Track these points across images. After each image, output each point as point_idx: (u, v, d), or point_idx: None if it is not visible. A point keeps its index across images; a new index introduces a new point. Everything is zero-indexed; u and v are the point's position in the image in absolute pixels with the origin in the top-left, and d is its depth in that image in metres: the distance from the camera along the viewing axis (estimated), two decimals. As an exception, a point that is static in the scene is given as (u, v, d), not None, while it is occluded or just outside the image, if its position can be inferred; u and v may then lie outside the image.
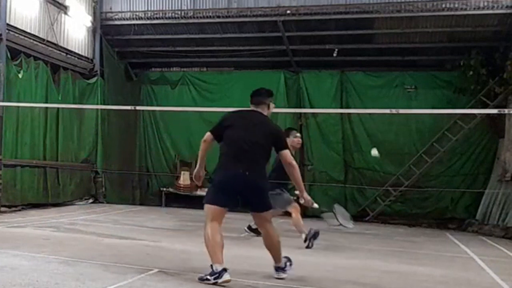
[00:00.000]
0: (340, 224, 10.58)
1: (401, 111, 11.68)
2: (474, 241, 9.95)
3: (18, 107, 10.55)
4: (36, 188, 11.25)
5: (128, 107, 10.99)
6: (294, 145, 7.96)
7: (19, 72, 10.73)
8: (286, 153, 4.86)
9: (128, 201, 14.45)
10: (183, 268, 5.21)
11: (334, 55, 13.89)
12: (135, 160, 15.65)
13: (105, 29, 14.02)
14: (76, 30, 12.97)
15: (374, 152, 11.97)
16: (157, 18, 13.73)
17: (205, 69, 15.89)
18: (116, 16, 13.89)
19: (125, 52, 15.22)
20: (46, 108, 11.55)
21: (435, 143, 13.66)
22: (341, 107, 14.27)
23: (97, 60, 13.76)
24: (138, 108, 13.03)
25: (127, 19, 13.88)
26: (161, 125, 15.73)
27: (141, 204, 14.67)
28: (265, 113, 4.99)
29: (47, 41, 11.66)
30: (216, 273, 4.37)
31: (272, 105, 5.09)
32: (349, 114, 14.57)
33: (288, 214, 7.79)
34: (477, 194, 12.91)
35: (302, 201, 5.28)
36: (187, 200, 14.36)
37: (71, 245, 6.45)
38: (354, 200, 14.23)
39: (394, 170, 13.92)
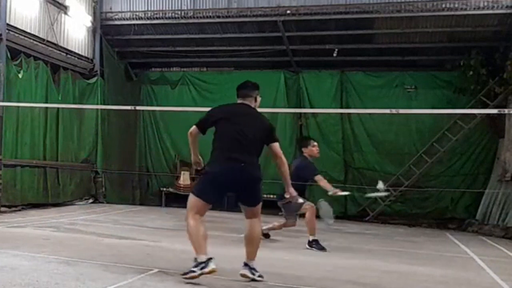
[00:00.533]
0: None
1: (401, 111, 11.68)
2: (474, 241, 9.95)
3: (18, 107, 10.54)
4: (36, 188, 11.24)
5: (128, 107, 10.98)
6: (313, 154, 7.97)
7: (19, 72, 10.73)
8: (276, 145, 4.86)
9: (128, 201, 14.45)
10: (183, 268, 5.19)
11: (334, 55, 13.90)
12: (135, 160, 15.65)
13: (105, 29, 14.02)
14: (76, 30, 12.97)
15: (380, 186, 12.07)
16: (157, 18, 13.73)
17: (205, 69, 15.89)
18: (116, 16, 13.89)
19: (125, 52, 15.22)
20: (46, 108, 11.54)
21: (435, 143, 13.66)
22: (341, 107, 14.27)
23: (97, 60, 13.75)
24: (138, 108, 13.02)
25: (127, 19, 13.88)
26: (161, 125, 15.73)
27: (141, 204, 14.67)
28: (253, 105, 4.98)
29: (47, 41, 11.66)
30: (201, 263, 4.34)
31: (258, 98, 5.04)
32: (349, 114, 14.57)
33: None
34: (477, 194, 12.91)
35: (287, 196, 5.28)
36: (187, 200, 14.33)
37: (71, 245, 6.45)
38: (354, 200, 14.21)
39: (394, 170, 13.91)
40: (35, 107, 11.12)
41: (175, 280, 4.66)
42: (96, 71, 13.69)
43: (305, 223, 7.57)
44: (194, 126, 4.98)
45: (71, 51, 12.75)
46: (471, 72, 12.87)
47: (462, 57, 12.99)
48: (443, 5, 12.11)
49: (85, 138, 13.22)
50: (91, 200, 13.16)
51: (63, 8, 12.31)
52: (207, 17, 13.39)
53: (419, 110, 13.15)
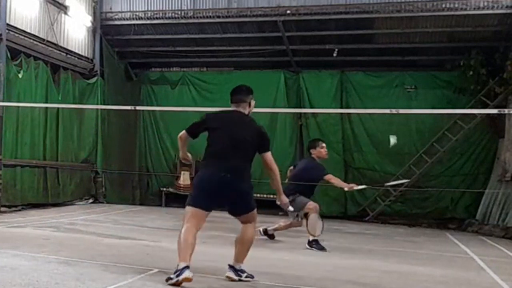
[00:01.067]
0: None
1: (401, 111, 11.68)
2: (474, 241, 9.95)
3: (18, 107, 10.55)
4: (36, 188, 11.25)
5: (128, 107, 10.98)
6: (321, 156, 7.93)
7: (19, 72, 10.73)
8: (268, 155, 4.80)
9: (128, 201, 14.45)
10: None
11: (334, 55, 13.90)
12: (135, 160, 15.65)
13: (105, 29, 14.02)
14: (76, 30, 12.97)
15: (393, 140, 12.15)
16: (157, 18, 13.73)
17: (205, 69, 15.89)
18: (116, 16, 13.89)
19: (125, 52, 15.22)
20: (46, 108, 11.55)
21: (435, 143, 13.66)
22: (341, 107, 14.26)
23: (97, 60, 13.76)
24: (138, 108, 13.02)
25: (127, 19, 13.88)
26: (161, 125, 15.72)
27: (141, 204, 14.67)
28: (247, 111, 4.91)
29: (47, 41, 11.66)
30: (177, 271, 4.31)
31: (253, 102, 4.96)
32: (349, 114, 14.57)
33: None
34: (477, 194, 12.90)
35: (278, 203, 5.27)
36: (187, 200, 14.35)
37: (71, 245, 6.45)
38: (354, 200, 14.22)
39: (394, 170, 13.91)
40: (35, 107, 11.11)
41: (175, 280, 4.66)
42: (96, 71, 13.69)
43: (307, 222, 7.55)
44: (184, 131, 4.96)
45: (71, 51, 12.75)
46: (471, 72, 12.87)
47: (462, 57, 12.99)
48: (443, 5, 12.11)
49: (85, 138, 13.22)
50: (91, 200, 13.16)
51: (63, 8, 12.31)
52: (207, 17, 13.39)
53: (419, 110, 13.15)
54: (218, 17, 13.27)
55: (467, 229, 12.28)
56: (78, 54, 13.09)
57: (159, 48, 14.93)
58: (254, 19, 13.15)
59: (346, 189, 7.81)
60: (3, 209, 9.88)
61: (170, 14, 13.57)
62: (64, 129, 12.29)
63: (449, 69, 13.65)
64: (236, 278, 4.69)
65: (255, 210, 4.81)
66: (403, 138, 14.15)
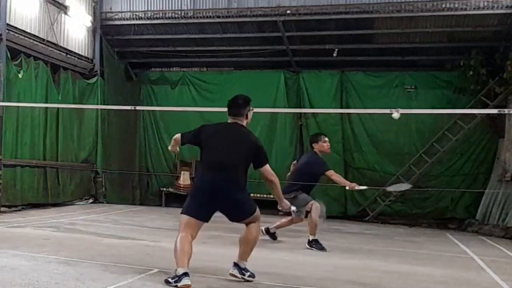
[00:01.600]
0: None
1: (401, 111, 11.62)
2: (474, 241, 9.95)
3: (18, 107, 10.55)
4: (36, 188, 11.25)
5: (128, 107, 10.98)
6: (324, 150, 7.82)
7: (19, 72, 10.73)
8: (265, 169, 4.75)
9: (128, 201, 14.45)
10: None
11: (334, 55, 13.89)
12: (135, 160, 15.65)
13: (105, 29, 14.02)
14: (76, 30, 12.97)
15: (397, 114, 12.09)
16: (157, 18, 13.73)
17: (205, 69, 15.89)
18: (116, 16, 13.89)
19: (125, 52, 15.22)
20: (46, 108, 11.55)
21: (435, 143, 13.66)
22: (341, 107, 14.26)
23: (97, 60, 13.76)
24: (138, 108, 13.02)
25: (127, 19, 13.87)
26: (161, 125, 15.72)
27: (141, 204, 14.67)
28: (244, 123, 4.88)
29: (47, 41, 11.66)
30: (175, 277, 4.31)
31: (250, 113, 4.92)
32: (349, 114, 14.56)
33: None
34: (477, 194, 12.90)
35: (280, 208, 5.28)
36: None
37: (71, 245, 6.45)
38: (354, 200, 14.22)
39: (394, 170, 13.92)
40: (35, 107, 11.11)
41: (175, 280, 4.66)
42: (96, 71, 13.69)
43: (307, 222, 7.54)
44: (179, 135, 5.01)
45: (71, 51, 12.75)
46: (471, 72, 12.87)
47: (462, 57, 12.99)
48: (443, 5, 12.11)
49: (85, 138, 13.22)
50: (91, 200, 13.16)
51: (63, 8, 12.31)
52: (207, 17, 13.39)
53: (419, 110, 13.14)
54: (218, 17, 13.27)
55: (467, 229, 12.27)
56: (78, 54, 13.09)
57: (159, 48, 14.93)
58: (254, 19, 13.15)
59: (347, 187, 7.70)
60: (3, 209, 9.89)
61: (170, 14, 13.57)
62: (64, 129, 12.29)
63: (449, 69, 13.64)
64: (240, 276, 4.69)
65: (257, 211, 4.78)
66: (403, 138, 14.15)
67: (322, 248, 7.27)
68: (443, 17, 12.42)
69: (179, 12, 13.49)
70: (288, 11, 12.81)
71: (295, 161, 8.44)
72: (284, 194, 7.36)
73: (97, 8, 13.73)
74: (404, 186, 9.90)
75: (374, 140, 14.28)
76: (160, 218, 10.79)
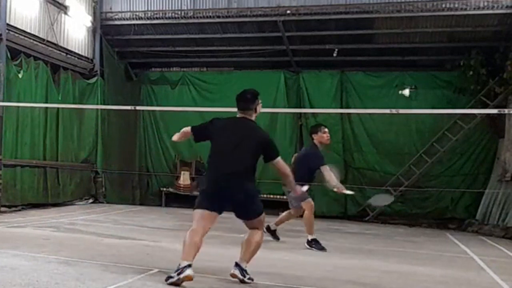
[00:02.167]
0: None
1: (401, 111, 11.68)
2: (474, 241, 9.95)
3: (18, 107, 10.55)
4: (36, 188, 11.24)
5: (128, 107, 10.99)
6: (323, 141, 7.72)
7: (19, 72, 10.73)
8: (277, 162, 4.78)
9: (128, 201, 14.45)
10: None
11: (334, 55, 13.90)
12: (135, 160, 15.64)
13: (105, 29, 14.02)
14: (76, 30, 12.97)
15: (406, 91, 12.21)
16: (157, 18, 13.73)
17: (205, 69, 15.89)
18: (116, 16, 13.89)
19: (125, 52, 15.22)
20: (46, 108, 11.55)
21: (435, 143, 13.66)
22: (341, 107, 14.26)
23: (97, 60, 13.76)
24: (138, 108, 13.02)
25: (127, 19, 13.88)
26: (161, 125, 15.72)
27: (141, 204, 14.67)
28: (253, 117, 4.90)
29: (47, 41, 11.66)
30: (179, 269, 4.32)
31: (259, 107, 4.94)
32: (349, 114, 14.56)
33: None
34: (477, 194, 12.90)
35: (293, 195, 5.34)
36: (187, 200, 14.34)
37: (71, 245, 6.45)
38: (354, 200, 14.21)
39: (394, 170, 13.91)
40: (35, 107, 11.11)
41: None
42: (96, 71, 13.69)
43: (303, 222, 7.54)
44: (189, 128, 5.00)
45: (71, 51, 12.75)
46: (471, 72, 12.87)
47: (462, 57, 12.99)
48: (443, 5, 12.11)
49: (85, 138, 13.22)
50: (91, 200, 13.16)
51: (63, 8, 12.31)
52: (207, 17, 13.39)
53: (419, 110, 13.15)
54: (218, 17, 13.27)
55: (467, 229, 12.28)
56: (78, 54, 13.09)
57: (159, 48, 14.93)
58: (254, 19, 13.15)
59: (334, 189, 7.37)
60: (3, 209, 9.88)
61: (170, 14, 13.57)
62: (64, 129, 12.29)
63: (449, 69, 13.64)
64: (241, 277, 4.64)
65: (262, 215, 4.80)
66: (403, 138, 14.15)
67: (321, 248, 7.26)
68: (443, 17, 12.42)
69: (179, 12, 13.49)
70: (288, 11, 12.81)
71: (295, 154, 8.44)
72: (284, 187, 7.36)
73: (97, 8, 13.73)
74: (387, 200, 9.77)
75: (374, 140, 14.28)
76: (160, 218, 10.79)
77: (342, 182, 13.95)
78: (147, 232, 8.37)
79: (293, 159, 8.17)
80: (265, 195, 12.29)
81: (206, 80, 15.65)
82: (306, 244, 7.40)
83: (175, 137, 5.21)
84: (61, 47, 12.28)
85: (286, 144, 14.61)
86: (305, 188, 5.77)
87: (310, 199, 7.46)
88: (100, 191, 13.46)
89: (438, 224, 13.23)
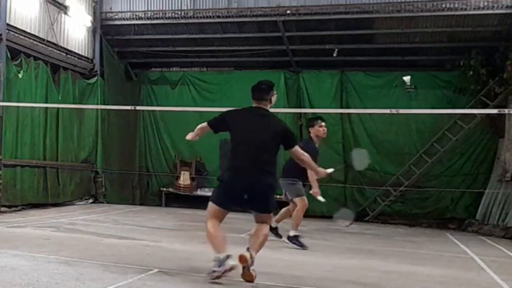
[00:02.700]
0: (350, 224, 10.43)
1: (401, 111, 11.68)
2: (474, 241, 9.96)
3: (18, 107, 10.54)
4: (36, 188, 11.24)
5: (128, 107, 10.98)
6: (319, 134, 7.71)
7: (19, 72, 10.73)
8: (296, 150, 4.94)
9: (128, 201, 14.45)
10: (183, 268, 5.22)
11: (334, 55, 13.89)
12: (135, 160, 15.64)
13: (105, 29, 14.02)
14: (76, 30, 12.97)
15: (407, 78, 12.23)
16: (157, 18, 13.73)
17: (205, 69, 15.89)
18: (116, 16, 13.89)
19: (125, 52, 15.22)
20: (46, 108, 11.55)
21: (435, 143, 13.66)
22: (341, 107, 14.26)
23: (97, 60, 13.75)
24: (138, 108, 13.02)
25: (127, 19, 13.88)
26: (161, 125, 15.72)
27: (141, 204, 14.67)
28: (268, 107, 4.98)
29: (47, 41, 11.66)
30: (220, 261, 4.44)
31: (274, 98, 5.02)
32: (349, 114, 14.56)
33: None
34: (477, 194, 12.90)
35: (317, 177, 5.57)
36: (187, 200, 14.36)
37: (71, 245, 6.45)
38: (354, 200, 14.22)
39: (394, 170, 13.91)
40: (35, 107, 11.11)
41: (175, 280, 4.67)
42: (96, 71, 13.69)
43: (292, 216, 7.46)
44: (205, 124, 5.07)
45: (71, 51, 12.74)
46: (471, 72, 12.86)
47: (462, 57, 12.98)
48: (443, 5, 12.11)
49: (85, 138, 13.22)
50: (91, 200, 13.16)
51: (63, 8, 12.31)
52: (207, 17, 13.39)
53: (419, 110, 13.15)
54: (218, 17, 13.27)
55: (467, 229, 12.28)
56: (78, 54, 13.09)
57: (159, 48, 14.93)
58: (254, 19, 13.15)
59: (312, 190, 7.20)
60: (3, 209, 9.88)
61: (170, 14, 13.57)
62: (64, 129, 12.29)
63: (449, 69, 13.64)
64: (249, 260, 4.53)
65: (272, 215, 4.95)
66: (403, 138, 14.14)
67: (302, 245, 7.20)
68: (443, 17, 12.42)
69: (179, 12, 13.49)
70: (288, 11, 12.81)
71: None
72: (283, 179, 7.27)
73: (97, 8, 13.73)
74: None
75: (374, 140, 14.27)
76: (160, 218, 10.79)
77: (342, 182, 14.12)
78: (147, 232, 8.37)
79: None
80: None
81: (206, 80, 15.64)
82: (286, 239, 7.31)
83: (190, 136, 5.24)
84: (61, 47, 12.28)
85: (286, 144, 14.62)
86: (330, 171, 5.76)
87: (304, 197, 7.37)
88: (100, 191, 13.46)
89: (438, 224, 13.23)
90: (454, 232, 11.91)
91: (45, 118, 11.66)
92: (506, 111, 11.49)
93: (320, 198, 7.19)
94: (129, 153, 15.38)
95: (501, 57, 12.52)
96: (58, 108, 11.89)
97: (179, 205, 14.11)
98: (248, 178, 4.64)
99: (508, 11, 11.86)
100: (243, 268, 4.59)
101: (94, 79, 13.56)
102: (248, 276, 4.59)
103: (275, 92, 5.03)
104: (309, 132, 7.78)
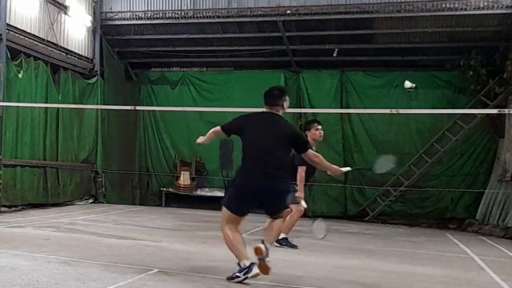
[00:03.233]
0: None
1: (401, 111, 11.68)
2: (474, 241, 9.95)
3: (18, 107, 10.55)
4: (36, 188, 11.24)
5: (128, 107, 11.00)
6: (315, 138, 7.73)
7: (19, 72, 10.73)
8: (309, 153, 4.99)
9: (128, 201, 14.45)
10: (183, 268, 5.22)
11: (334, 55, 13.89)
12: (135, 160, 15.65)
13: (105, 29, 14.02)
14: (76, 30, 12.96)
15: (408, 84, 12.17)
16: (157, 18, 13.73)
17: (205, 69, 15.89)
18: (116, 16, 13.89)
19: (125, 52, 15.22)
20: (46, 108, 11.54)
21: (435, 143, 13.66)
22: (341, 107, 14.27)
23: (97, 60, 13.75)
24: (138, 108, 13.03)
25: (127, 19, 13.88)
26: (161, 125, 15.73)
27: (141, 204, 14.67)
28: (280, 113, 5.02)
29: (47, 41, 11.66)
30: (245, 269, 4.46)
31: (286, 103, 5.07)
32: (349, 114, 14.57)
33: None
34: (477, 194, 12.91)
35: (333, 175, 5.56)
36: (187, 200, 14.37)
37: (71, 245, 6.45)
38: (354, 200, 14.22)
39: (394, 170, 13.86)
40: (35, 107, 11.11)
41: (175, 280, 4.67)
42: (96, 71, 13.69)
43: (286, 219, 7.39)
44: (218, 127, 5.09)
45: (71, 51, 12.74)
46: (471, 72, 12.87)
47: (462, 57, 12.99)
48: (443, 5, 12.12)
49: (85, 138, 13.22)
50: (91, 200, 13.16)
51: (63, 8, 12.31)
52: (207, 17, 13.39)
53: (419, 110, 13.15)
54: (218, 17, 13.27)
55: (467, 229, 12.28)
56: (78, 54, 13.09)
57: (159, 48, 14.93)
58: (254, 19, 13.15)
59: (298, 193, 7.15)
60: (3, 209, 9.88)
61: (170, 14, 13.57)
62: (64, 129, 12.29)
63: (449, 69, 13.65)
64: (264, 251, 4.56)
65: (289, 210, 5.03)
66: (403, 138, 14.15)
67: (293, 246, 7.20)
68: (443, 17, 12.43)
69: (179, 12, 13.49)
70: (288, 11, 12.81)
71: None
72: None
73: (97, 8, 13.73)
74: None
75: (374, 140, 14.27)
76: (160, 218, 10.78)
77: (342, 182, 14.11)
78: (147, 232, 8.37)
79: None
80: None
81: (206, 80, 15.65)
82: (275, 242, 7.26)
83: (201, 140, 5.24)
84: (61, 47, 12.28)
85: (286, 144, 14.62)
86: (345, 169, 5.76)
87: (301, 207, 7.28)
88: (100, 191, 13.46)
89: (438, 224, 13.23)
90: (454, 232, 11.91)
91: (45, 118, 11.66)
92: (506, 111, 11.50)
93: (303, 203, 7.16)
94: (129, 153, 15.38)
95: (501, 57, 12.53)
96: (58, 108, 11.89)
97: (179, 205, 14.11)
98: (259, 183, 4.67)
99: (508, 11, 11.87)
100: (259, 259, 4.60)
101: (94, 79, 13.56)
102: (264, 268, 4.61)
103: (287, 98, 5.08)
104: (306, 136, 7.76)
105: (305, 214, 7.66)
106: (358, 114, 14.42)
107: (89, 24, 13.47)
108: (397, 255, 7.48)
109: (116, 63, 14.83)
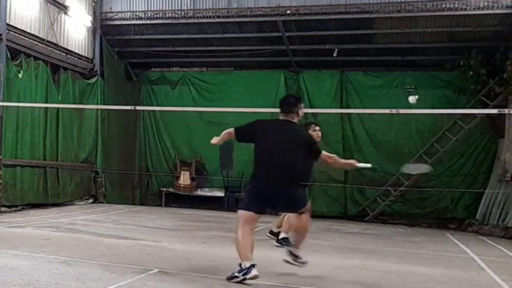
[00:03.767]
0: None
1: (401, 111, 11.68)
2: (474, 241, 9.96)
3: (18, 107, 10.55)
4: (36, 188, 11.25)
5: (128, 107, 10.99)
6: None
7: (19, 72, 10.73)
8: (322, 156, 5.08)
9: (128, 201, 14.45)
10: (183, 268, 5.22)
11: (334, 55, 13.90)
12: (135, 160, 15.65)
13: (105, 29, 14.02)
14: (76, 30, 12.96)
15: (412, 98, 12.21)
16: (157, 18, 13.73)
17: (205, 69, 15.90)
18: (116, 16, 13.89)
19: (125, 52, 15.22)
20: (46, 108, 11.55)
21: (435, 143, 13.67)
22: (341, 107, 14.27)
23: (97, 60, 13.76)
24: (138, 108, 13.03)
25: (127, 19, 13.88)
26: (161, 125, 15.73)
27: (141, 204, 14.67)
28: (295, 120, 5.10)
29: (47, 41, 11.66)
30: (244, 269, 4.49)
31: (301, 111, 5.18)
32: (349, 114, 14.57)
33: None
34: (477, 194, 12.91)
35: (350, 168, 5.65)
36: (187, 200, 14.37)
37: (71, 245, 6.45)
38: (354, 200, 14.23)
39: (394, 170, 13.90)
40: (35, 107, 11.11)
41: (175, 280, 4.67)
42: (96, 71, 13.69)
43: (285, 219, 7.43)
44: (232, 129, 5.07)
45: (71, 51, 12.75)
46: (471, 72, 12.88)
47: (462, 57, 13.00)
48: (443, 5, 12.12)
49: (85, 138, 13.22)
50: (91, 200, 13.17)
51: (63, 8, 12.31)
52: (207, 17, 13.40)
53: (419, 110, 13.15)
54: (218, 17, 13.27)
55: (467, 229, 12.28)
56: (78, 54, 13.09)
57: (159, 48, 14.94)
58: (254, 19, 13.16)
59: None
60: (3, 209, 9.88)
61: (170, 14, 13.57)
62: (64, 129, 12.29)
63: (449, 69, 13.65)
64: (292, 261, 5.05)
65: (308, 205, 5.05)
66: (403, 138, 14.15)
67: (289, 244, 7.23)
68: (443, 17, 12.43)
69: (179, 12, 13.49)
70: (288, 11, 12.81)
71: None
72: None
73: (97, 8, 13.74)
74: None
75: (374, 140, 14.29)
76: (160, 218, 10.78)
77: (342, 182, 14.09)
78: (147, 232, 8.37)
79: None
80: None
81: (206, 80, 15.65)
82: (275, 242, 7.29)
83: (215, 140, 5.22)
84: (61, 47, 12.28)
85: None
86: (363, 165, 5.80)
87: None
88: (100, 191, 13.46)
89: (438, 224, 13.24)
90: (454, 232, 11.91)
91: (45, 118, 11.67)
92: (506, 111, 11.50)
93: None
94: (129, 153, 15.39)
95: (501, 57, 12.53)
96: (58, 108, 11.90)
97: (179, 205, 14.11)
98: (275, 190, 4.72)
99: (508, 11, 11.87)
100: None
101: (94, 79, 13.56)
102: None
103: (302, 105, 5.19)
104: None
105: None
106: (358, 114, 14.43)
107: (89, 24, 13.47)
108: (397, 255, 7.48)
109: (116, 63, 14.84)
